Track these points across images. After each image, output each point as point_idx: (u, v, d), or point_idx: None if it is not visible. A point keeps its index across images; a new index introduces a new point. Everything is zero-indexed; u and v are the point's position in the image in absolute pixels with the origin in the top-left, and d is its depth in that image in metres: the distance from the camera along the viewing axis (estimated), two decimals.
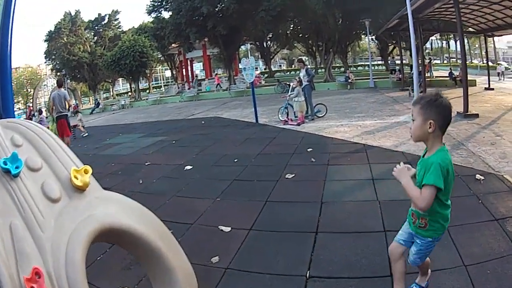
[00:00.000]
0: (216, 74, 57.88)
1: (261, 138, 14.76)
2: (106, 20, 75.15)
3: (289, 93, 17.97)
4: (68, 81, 67.33)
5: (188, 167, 10.92)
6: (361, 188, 8.02)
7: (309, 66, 19.77)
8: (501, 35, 32.01)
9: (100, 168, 12.00)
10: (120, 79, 70.57)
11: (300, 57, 22.62)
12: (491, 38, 36.54)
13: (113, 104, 52.25)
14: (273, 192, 8.12)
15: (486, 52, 35.66)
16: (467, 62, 56.76)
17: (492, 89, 29.30)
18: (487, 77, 30.81)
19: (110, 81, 74.79)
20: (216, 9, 41.13)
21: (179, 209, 7.63)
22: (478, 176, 7.89)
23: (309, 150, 11.77)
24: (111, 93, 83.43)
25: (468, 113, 16.49)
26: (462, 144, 11.43)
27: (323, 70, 49.91)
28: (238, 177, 9.45)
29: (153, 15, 49.60)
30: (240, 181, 9.20)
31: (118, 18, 77.23)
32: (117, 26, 76.79)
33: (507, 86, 30.58)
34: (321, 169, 9.57)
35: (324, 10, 37.89)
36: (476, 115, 16.26)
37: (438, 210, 3.39)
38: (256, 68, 61.51)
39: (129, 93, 69.00)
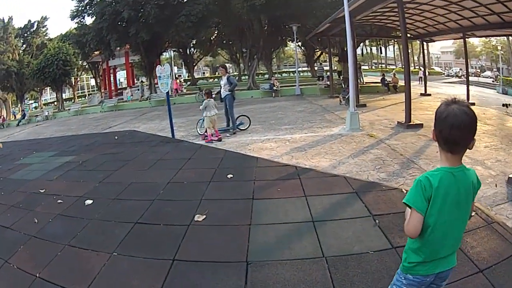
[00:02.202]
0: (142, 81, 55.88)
1: (175, 159, 12.87)
2: (35, 27, 71.55)
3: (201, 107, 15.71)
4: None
5: (88, 202, 9.12)
6: (299, 236, 6.31)
7: (231, 74, 17.61)
8: (441, 40, 31.98)
9: (6, 197, 10.85)
10: (48, 88, 67.25)
11: (223, 63, 21.13)
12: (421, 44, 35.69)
13: (37, 115, 49.76)
14: (182, 244, 6.42)
15: (424, 57, 35.27)
16: (397, 68, 57.16)
17: (429, 94, 29.22)
18: (423, 83, 30.11)
19: (37, 90, 71.21)
20: (139, 14, 39.03)
21: (69, 268, 6.10)
22: None
23: (229, 176, 9.77)
24: (39, 103, 79.82)
25: (411, 123, 15.05)
26: (412, 161, 10.03)
27: (247, 77, 48.09)
28: (141, 219, 7.63)
29: (76, 20, 46.58)
30: (143, 225, 7.40)
31: (46, 25, 73.55)
32: (44, 34, 73.11)
33: (444, 92, 30.19)
34: (244, 206, 7.72)
35: (249, 15, 36.54)
36: (420, 125, 14.91)
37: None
38: (180, 75, 59.72)
39: (55, 103, 65.91)
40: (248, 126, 16.96)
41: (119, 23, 40.37)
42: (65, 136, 23.86)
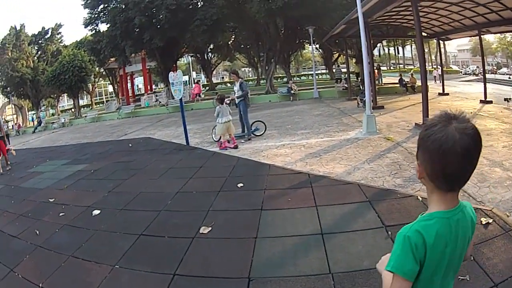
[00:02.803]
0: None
1: (186, 167, 12.55)
2: (49, 34, 71.64)
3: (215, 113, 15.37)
4: (14, 98, 66.48)
5: (96, 212, 9.03)
6: (306, 250, 5.96)
7: (244, 79, 17.25)
8: (457, 38, 31.40)
9: (16, 206, 10.97)
10: (65, 95, 67.43)
11: (234, 69, 20.93)
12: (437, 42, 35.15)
13: (53, 122, 49.53)
14: (185, 257, 6.18)
15: (441, 56, 34.46)
16: (415, 68, 56.45)
17: (447, 94, 28.60)
18: (438, 81, 29.57)
19: (53, 97, 71.44)
20: (152, 20, 38.93)
21: (72, 280, 6.08)
22: None
23: (239, 185, 9.48)
24: (56, 110, 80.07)
25: None
26: None
27: (265, 81, 47.57)
28: (146, 230, 7.47)
29: (90, 27, 46.64)
30: (147, 237, 7.22)
31: (60, 32, 73.67)
32: (59, 40, 73.26)
33: (462, 90, 29.65)
34: (252, 216, 7.44)
35: (265, 19, 36.12)
36: None
37: None
38: (199, 80, 59.60)
39: (72, 110, 66.05)
40: (264, 132, 16.68)
41: (132, 29, 40.35)
42: (80, 143, 23.92)
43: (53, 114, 77.70)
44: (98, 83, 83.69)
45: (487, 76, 26.80)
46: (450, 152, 1.86)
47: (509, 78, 57.24)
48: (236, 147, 14.43)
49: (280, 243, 6.25)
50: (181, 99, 17.01)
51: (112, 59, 50.52)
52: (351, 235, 6.17)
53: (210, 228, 7.04)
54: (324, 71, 76.71)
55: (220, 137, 14.95)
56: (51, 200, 10.72)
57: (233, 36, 54.53)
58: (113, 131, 28.74)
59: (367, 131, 14.59)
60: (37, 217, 9.43)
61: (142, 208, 8.83)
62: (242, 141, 15.56)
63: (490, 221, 6.06)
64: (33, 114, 69.53)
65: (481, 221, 6.05)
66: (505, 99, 22.98)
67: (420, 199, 7.17)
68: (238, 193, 8.99)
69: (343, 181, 8.90)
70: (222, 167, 11.70)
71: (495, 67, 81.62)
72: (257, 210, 7.66)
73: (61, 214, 9.25)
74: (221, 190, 9.27)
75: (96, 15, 44.77)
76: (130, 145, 19.38)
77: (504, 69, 77.75)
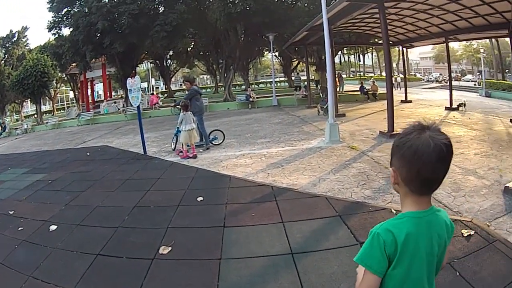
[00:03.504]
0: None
1: (143, 178, 11.99)
2: (16, 37, 71.06)
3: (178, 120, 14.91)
4: None
5: (53, 228, 8.53)
6: (275, 273, 5.53)
7: (197, 87, 16.86)
8: (422, 45, 31.81)
9: None
10: (28, 100, 66.37)
11: (187, 76, 20.67)
12: (401, 50, 35.31)
13: (17, 128, 49.04)
14: (145, 283, 5.68)
15: (404, 63, 34.37)
16: (375, 75, 56.87)
17: (410, 101, 28.82)
18: (399, 89, 29.73)
19: (18, 102, 70.16)
20: (114, 25, 38.42)
21: None
22: None
23: (199, 199, 8.96)
24: (20, 115, 78.78)
25: (394, 132, 14.38)
26: None
27: (223, 88, 47.48)
28: (103, 250, 6.94)
29: (54, 31, 45.87)
30: (105, 257, 6.68)
31: (26, 35, 73.29)
32: (25, 44, 72.61)
33: (425, 97, 29.91)
34: (214, 234, 6.94)
35: (225, 24, 36.00)
36: None
37: None
38: (157, 87, 59.10)
39: (35, 116, 64.98)
40: (222, 141, 16.33)
41: (94, 34, 39.87)
42: (40, 151, 23.39)
43: (17, 120, 76.84)
44: (60, 88, 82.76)
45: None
46: (425, 157, 1.99)
47: (474, 84, 58.32)
48: (195, 156, 14.06)
49: (247, 265, 5.79)
50: (138, 107, 16.48)
51: (74, 64, 49.92)
52: (324, 254, 5.74)
53: (170, 248, 6.55)
54: (283, 78, 77.01)
55: (182, 145, 14.53)
56: (10, 212, 10.33)
57: (193, 43, 54.05)
58: (72, 138, 28.29)
59: (330, 139, 14.33)
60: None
61: (98, 224, 8.34)
62: (201, 150, 15.19)
63: (472, 232, 5.88)
64: None
65: (462, 233, 5.85)
66: (458, 105, 23.47)
67: (394, 211, 6.83)
68: (198, 207, 8.50)
69: (309, 194, 8.50)
70: (181, 179, 11.24)
71: (460, 74, 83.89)
72: (219, 227, 7.19)
73: (20, 229, 8.85)
74: (180, 205, 8.79)
75: (59, 19, 44.36)
76: (88, 153, 18.86)
77: (469, 76, 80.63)
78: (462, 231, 5.88)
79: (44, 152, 22.50)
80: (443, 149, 2.00)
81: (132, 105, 34.63)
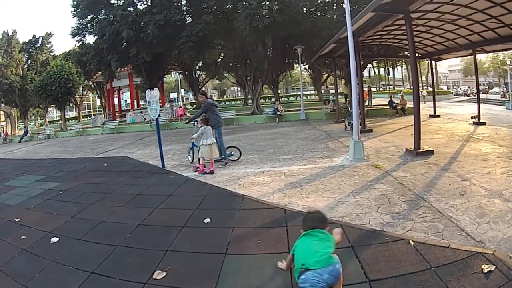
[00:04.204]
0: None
1: (155, 194, 11.54)
2: (40, 43, 71.36)
3: (194, 133, 14.72)
4: (2, 105, 65.54)
5: (54, 240, 8.44)
6: None
7: (212, 99, 16.39)
8: (450, 58, 31.01)
9: None
10: (53, 105, 66.94)
11: (202, 90, 20.50)
12: (429, 63, 34.63)
13: (39, 133, 49.47)
14: None
15: (433, 76, 34.06)
16: (405, 89, 56.10)
17: (439, 116, 28.11)
18: (432, 103, 28.91)
19: (42, 107, 70.66)
20: (139, 35, 38.34)
21: None
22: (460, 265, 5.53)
23: (206, 221, 8.45)
24: (44, 120, 79.43)
25: (421, 150, 13.85)
26: (421, 198, 8.68)
27: (251, 101, 47.25)
28: (99, 268, 6.71)
29: (77, 38, 46.00)
30: (99, 276, 6.43)
31: (51, 41, 73.67)
32: (49, 50, 73.31)
33: (453, 111, 29.11)
34: (214, 262, 6.44)
35: (252, 37, 35.57)
36: (431, 152, 13.74)
37: None
38: (187, 98, 59.11)
39: (60, 121, 65.37)
40: (239, 158, 15.89)
41: (119, 42, 39.84)
42: (59, 158, 23.51)
43: (41, 125, 77.71)
44: (87, 96, 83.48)
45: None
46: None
47: (501, 97, 57.31)
48: (212, 172, 13.62)
49: None
50: (157, 119, 16.17)
51: (99, 72, 50.01)
52: None
53: (165, 273, 6.18)
54: (313, 92, 76.53)
55: (199, 160, 14.14)
56: (16, 220, 10.39)
57: (222, 54, 53.54)
58: (94, 147, 28.30)
59: (354, 157, 13.73)
60: (1, 237, 9.14)
61: (99, 241, 8.07)
62: (220, 166, 14.71)
63: (492, 268, 5.25)
64: (21, 123, 68.85)
65: (482, 269, 5.23)
66: (472, 117, 23.66)
67: (412, 243, 6.20)
68: (203, 230, 8.02)
69: None
70: (192, 197, 10.74)
71: (487, 87, 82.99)
72: (220, 254, 6.66)
73: (22, 237, 8.86)
74: (185, 226, 8.33)
75: (84, 26, 44.52)
76: (106, 164, 18.64)
77: (496, 89, 79.26)
78: (483, 266, 5.30)
79: (62, 159, 22.58)
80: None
81: (162, 115, 34.56)
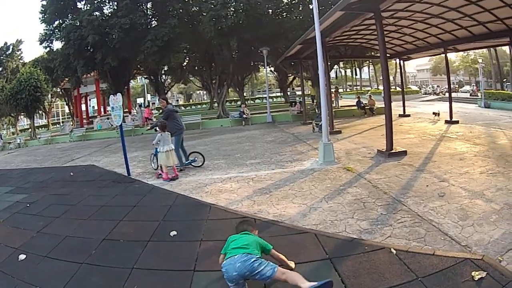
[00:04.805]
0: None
1: (120, 205, 11.14)
2: (10, 50, 70.88)
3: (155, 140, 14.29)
4: None
5: (22, 257, 8.15)
6: None
7: (172, 105, 16.13)
8: (420, 57, 31.50)
9: None
10: (23, 113, 66.28)
11: (163, 96, 20.41)
12: (398, 63, 34.69)
13: (10, 143, 48.75)
14: None
15: (402, 76, 33.79)
16: (372, 89, 56.42)
17: (409, 115, 28.30)
18: (401, 103, 28.95)
19: (13, 116, 69.75)
20: (105, 39, 37.86)
21: None
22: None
23: (172, 234, 8.04)
24: (16, 129, 78.49)
25: (393, 150, 13.63)
26: (398, 201, 8.41)
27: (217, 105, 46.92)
28: None
29: (45, 44, 45.48)
30: None
31: (20, 49, 73.16)
32: (19, 57, 72.46)
33: (423, 111, 29.24)
34: (182, 280, 6.02)
35: (217, 39, 35.45)
36: (404, 153, 13.58)
37: None
38: (148, 106, 58.52)
39: (30, 130, 64.67)
40: (203, 163, 15.55)
41: (85, 48, 39.38)
42: (28, 168, 23.13)
43: (13, 133, 76.90)
44: (55, 103, 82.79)
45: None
46: None
47: (471, 95, 58.13)
48: (176, 177, 13.48)
49: None
50: (121, 125, 15.82)
51: (66, 79, 49.70)
52: None
53: None
54: (279, 94, 76.65)
55: (160, 166, 13.87)
56: None
57: (187, 58, 53.23)
58: (62, 155, 27.86)
59: (324, 160, 13.50)
60: None
61: (65, 258, 7.73)
62: (187, 172, 14.50)
63: (484, 274, 5.01)
64: None
65: (472, 277, 4.99)
66: (433, 113, 24.87)
67: (394, 252, 5.86)
68: (169, 244, 7.62)
69: (296, 229, 7.48)
70: (158, 207, 10.37)
71: (457, 86, 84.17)
72: (189, 271, 6.25)
73: None
74: (151, 240, 7.91)
75: (51, 32, 44.05)
76: (72, 173, 18.24)
77: (467, 87, 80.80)
78: (473, 273, 5.01)
79: (31, 169, 22.19)
80: None
81: (125, 122, 34.04)
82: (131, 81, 64.62)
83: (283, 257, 5.71)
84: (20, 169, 22.90)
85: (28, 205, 12.94)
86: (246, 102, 49.39)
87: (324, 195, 9.54)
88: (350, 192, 9.53)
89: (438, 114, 25.26)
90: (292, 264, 5.73)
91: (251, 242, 5.42)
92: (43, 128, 68.66)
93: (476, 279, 4.90)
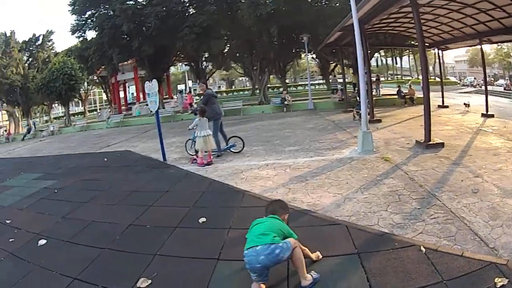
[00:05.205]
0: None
1: (151, 191, 11.11)
2: (40, 41, 72.04)
3: (191, 125, 14.24)
4: (4, 105, 65.84)
5: (42, 242, 8.09)
6: None
7: (212, 91, 15.92)
8: (457, 47, 30.59)
9: None
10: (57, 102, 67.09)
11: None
12: (436, 53, 33.97)
13: (43, 130, 49.19)
14: None
15: (440, 66, 33.28)
16: (413, 79, 55.42)
17: (447, 106, 27.76)
18: (440, 93, 28.38)
19: (47, 104, 70.71)
20: (141, 27, 38.06)
21: None
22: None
23: (201, 220, 7.90)
24: (50, 117, 79.73)
25: (431, 142, 13.17)
26: (433, 195, 8.02)
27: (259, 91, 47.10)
28: (82, 274, 6.31)
29: (77, 34, 46.06)
30: (81, 283, 6.04)
31: (52, 39, 74.37)
32: (50, 47, 73.79)
33: (461, 102, 28.19)
34: (204, 269, 5.88)
35: (256, 26, 35.43)
36: (441, 145, 13.06)
37: None
38: (195, 89, 58.66)
39: (64, 117, 65.47)
40: (242, 149, 15.35)
41: (121, 36, 39.78)
42: (60, 155, 23.19)
43: (46, 121, 77.75)
44: (92, 90, 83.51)
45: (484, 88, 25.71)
46: None
47: (504, 89, 57.11)
48: (209, 163, 13.40)
49: None
50: (157, 111, 15.75)
51: (102, 67, 49.73)
52: None
53: (149, 282, 5.72)
54: (321, 81, 76.13)
55: (196, 151, 13.83)
56: (7, 221, 10.02)
57: (228, 45, 53.07)
58: (97, 141, 27.98)
59: (362, 149, 13.13)
60: None
61: (86, 243, 7.69)
62: (223, 157, 14.56)
63: (505, 282, 4.66)
64: (25, 121, 68.87)
65: (495, 283, 4.67)
66: (464, 104, 24.69)
67: (423, 250, 5.55)
68: (196, 232, 7.49)
69: (328, 220, 7.23)
70: (190, 193, 10.23)
71: (492, 79, 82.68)
72: (212, 259, 6.10)
73: (11, 240, 8.54)
74: (178, 226, 7.81)
75: (83, 22, 44.42)
76: (106, 159, 18.31)
77: (501, 81, 79.37)
78: (496, 280, 4.71)
79: (63, 156, 22.27)
80: None
81: (163, 108, 34.20)
82: (171, 67, 64.71)
83: (307, 250, 5.46)
84: (52, 156, 23.10)
85: (55, 190, 13.01)
86: (288, 89, 49.14)
87: (360, 185, 9.29)
88: (386, 183, 9.24)
89: (468, 105, 25.20)
90: (315, 256, 5.57)
91: (274, 229, 5.19)
92: (79, 116, 69.60)
93: (498, 286, 4.63)
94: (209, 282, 5.46)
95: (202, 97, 15.26)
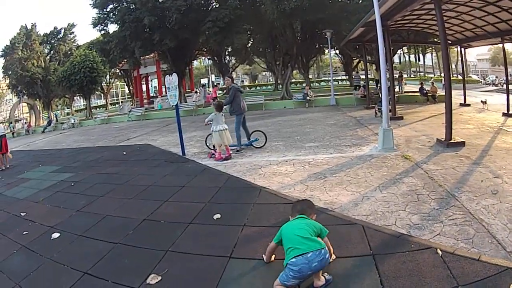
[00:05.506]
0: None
1: (168, 186, 11.09)
2: (62, 34, 73.02)
3: (207, 119, 14.26)
4: (25, 97, 66.43)
5: (55, 235, 8.24)
6: None
7: (237, 85, 15.78)
8: (479, 45, 29.96)
9: None
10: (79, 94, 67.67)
11: (229, 74, 20.21)
12: (459, 51, 33.58)
13: (63, 123, 49.98)
14: None
15: (462, 64, 32.81)
16: (435, 76, 54.85)
17: (469, 105, 27.44)
18: (462, 91, 28.10)
19: (68, 96, 71.16)
20: (163, 21, 38.09)
21: None
22: None
23: (216, 217, 7.82)
24: (71, 110, 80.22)
25: (452, 141, 12.98)
26: (452, 196, 7.81)
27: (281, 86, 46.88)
28: (93, 268, 6.37)
29: (99, 27, 46.47)
30: (91, 277, 6.10)
31: (73, 32, 75.36)
32: (72, 40, 74.60)
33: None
34: (215, 267, 5.82)
35: (279, 21, 35.38)
36: (462, 143, 12.86)
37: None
38: (218, 83, 58.79)
39: (85, 110, 65.95)
40: (264, 144, 15.25)
41: (143, 30, 39.88)
42: (79, 148, 23.55)
43: (68, 114, 78.48)
44: (114, 83, 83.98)
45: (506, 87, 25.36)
46: None
47: None
48: (227, 158, 13.39)
49: None
50: (176, 105, 15.71)
51: (125, 60, 50.00)
52: None
53: (159, 278, 5.70)
54: (344, 77, 76.05)
55: (214, 147, 13.86)
56: (22, 214, 10.34)
57: (251, 40, 53.14)
58: (117, 135, 28.26)
59: (383, 147, 12.98)
60: (4, 232, 9.12)
61: (99, 237, 7.78)
62: (242, 152, 14.60)
63: None
64: (46, 113, 69.45)
65: None
66: (481, 101, 24.63)
67: (440, 253, 5.38)
68: (210, 228, 7.40)
69: (344, 219, 7.07)
70: (206, 189, 10.16)
71: None
72: (224, 257, 6.02)
73: (24, 233, 8.76)
74: (192, 222, 7.75)
75: (105, 15, 44.81)
76: (124, 153, 18.45)
77: None
78: (511, 286, 4.52)
79: (82, 149, 22.57)
80: None
81: (185, 102, 34.22)
82: (194, 61, 64.88)
83: (331, 247, 5.34)
84: (71, 149, 23.42)
85: (72, 183, 13.22)
86: (311, 84, 49.09)
87: (379, 183, 9.15)
88: (406, 182, 9.08)
89: (485, 103, 25.17)
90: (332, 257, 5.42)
91: (313, 232, 5.13)
92: (101, 108, 70.19)
93: None
94: (219, 280, 5.39)
95: (226, 91, 15.04)
